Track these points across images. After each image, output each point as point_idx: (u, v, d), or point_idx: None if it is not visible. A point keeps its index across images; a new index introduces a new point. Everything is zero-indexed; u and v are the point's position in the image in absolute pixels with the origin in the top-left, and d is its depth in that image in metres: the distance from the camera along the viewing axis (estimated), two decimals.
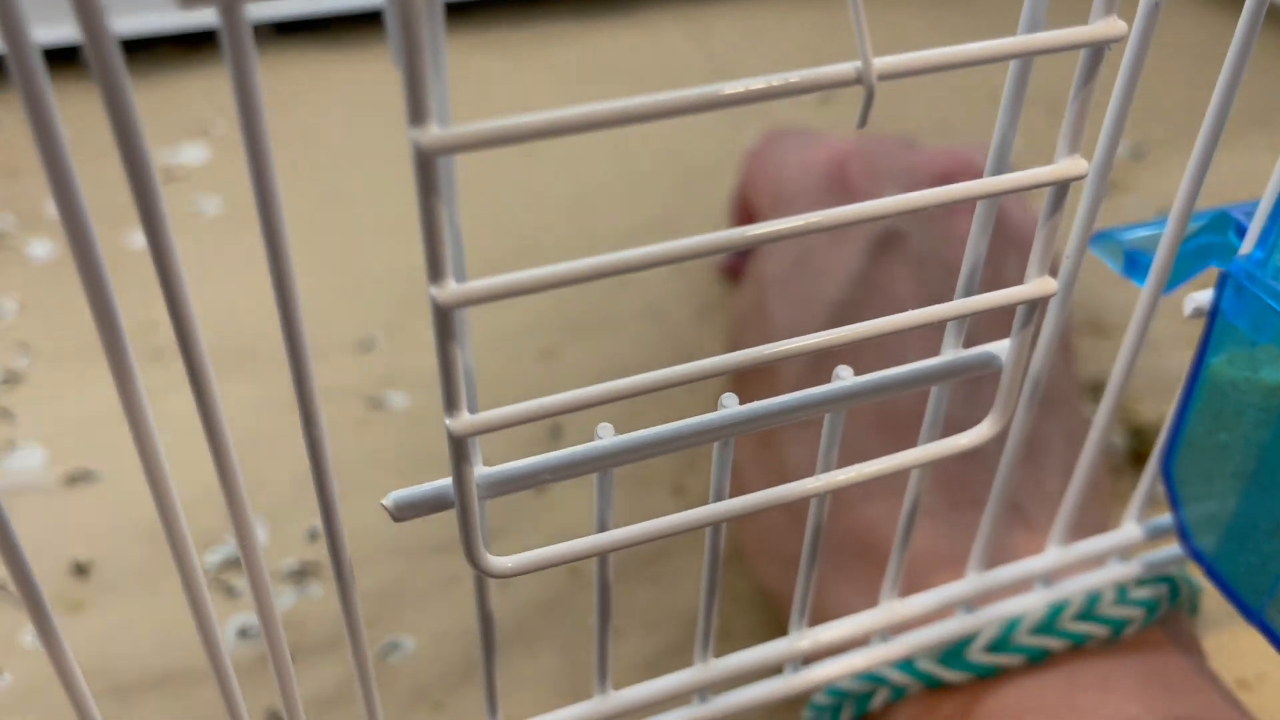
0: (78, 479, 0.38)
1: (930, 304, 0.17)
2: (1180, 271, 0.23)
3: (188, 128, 0.55)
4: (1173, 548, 0.26)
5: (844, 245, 0.33)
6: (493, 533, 0.37)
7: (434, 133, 0.13)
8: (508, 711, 0.22)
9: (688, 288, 0.47)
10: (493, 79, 0.61)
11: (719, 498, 0.19)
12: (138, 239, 0.48)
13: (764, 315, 0.33)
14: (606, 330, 0.45)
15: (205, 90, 0.59)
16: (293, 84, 0.59)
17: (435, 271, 0.14)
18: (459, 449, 0.16)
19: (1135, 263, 0.23)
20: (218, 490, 0.17)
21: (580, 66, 0.62)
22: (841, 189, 0.36)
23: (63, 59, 0.47)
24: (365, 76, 0.60)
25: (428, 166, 0.13)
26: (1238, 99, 0.18)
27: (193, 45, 0.61)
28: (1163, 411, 0.41)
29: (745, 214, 0.43)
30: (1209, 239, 0.22)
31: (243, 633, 0.33)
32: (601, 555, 0.19)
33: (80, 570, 0.35)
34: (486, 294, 0.14)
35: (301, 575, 0.35)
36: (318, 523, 0.36)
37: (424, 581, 0.35)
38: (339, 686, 0.32)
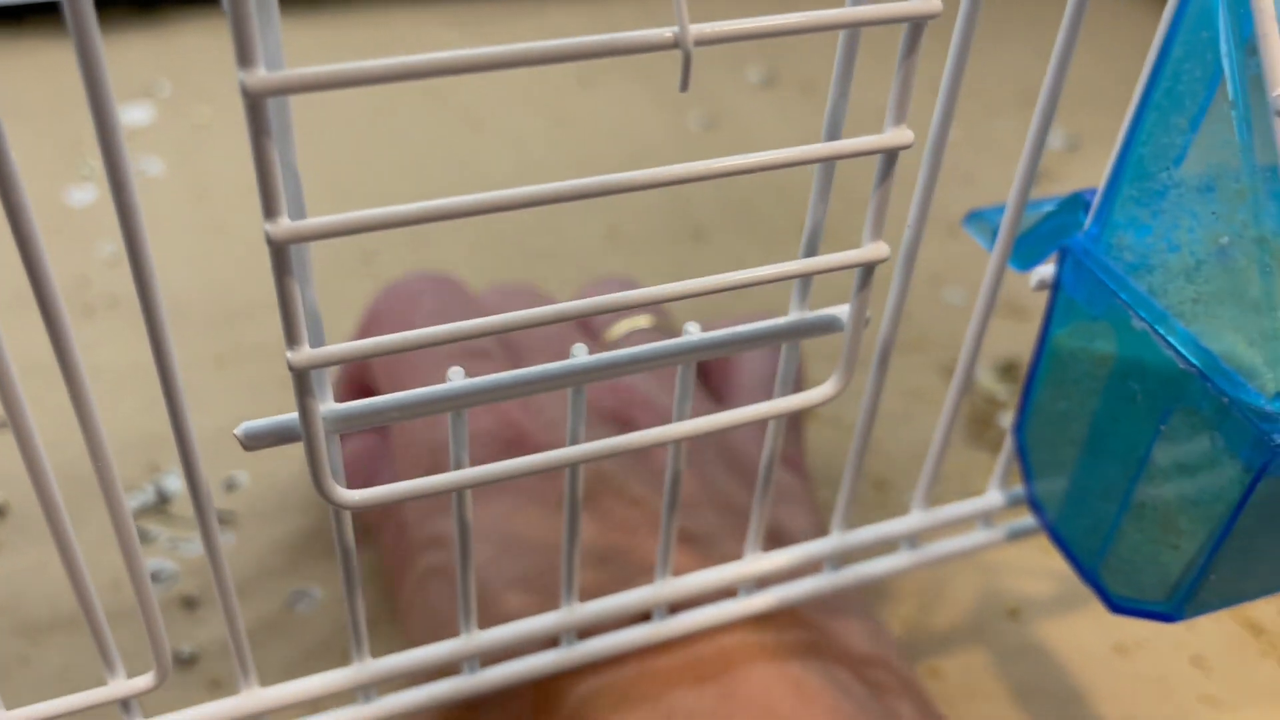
0: None
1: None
2: (1038, 249, 0.24)
3: (133, 88, 0.56)
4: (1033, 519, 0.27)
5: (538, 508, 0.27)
6: None
7: (260, 74, 0.14)
8: (375, 648, 0.23)
9: (620, 254, 0.48)
10: (441, 50, 0.61)
11: (575, 441, 0.20)
12: (76, 195, 0.49)
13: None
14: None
15: (151, 51, 0.59)
16: None
17: (269, 208, 0.15)
18: (302, 382, 0.16)
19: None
20: (136, 441, 0.18)
21: (529, 41, 0.62)
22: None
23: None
24: (307, 41, 0.61)
25: (257, 108, 0.14)
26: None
27: (140, 5, 0.62)
28: None
29: (359, 386, 0.35)
30: (1064, 219, 0.23)
31: (155, 576, 0.34)
32: (458, 492, 0.20)
33: None
34: (319, 231, 0.15)
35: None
36: (235, 473, 0.37)
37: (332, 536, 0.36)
38: (251, 630, 0.33)
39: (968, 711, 0.32)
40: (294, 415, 0.17)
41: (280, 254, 0.15)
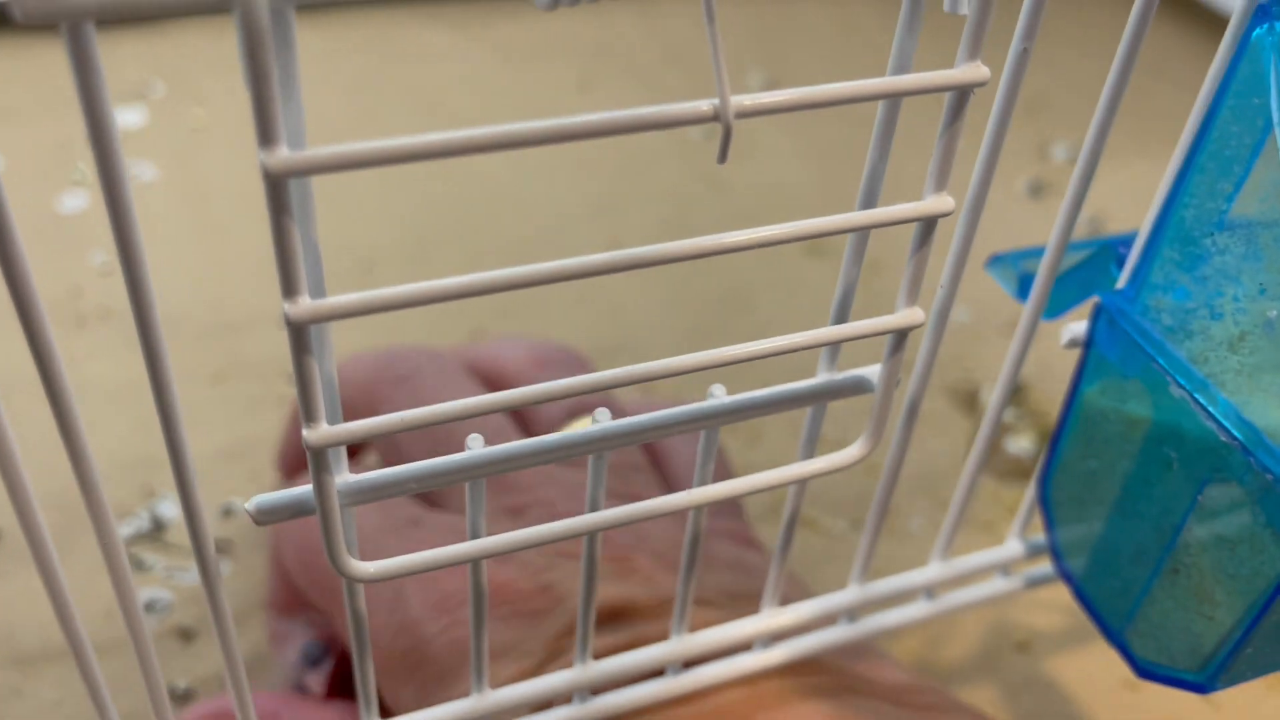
0: None
1: None
2: (1065, 298, 0.23)
3: (124, 89, 0.55)
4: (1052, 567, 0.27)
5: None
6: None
7: (283, 155, 0.13)
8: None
9: (634, 281, 0.47)
10: (436, 54, 0.60)
11: (595, 508, 0.19)
12: (68, 202, 0.48)
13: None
14: (535, 312, 0.45)
15: (143, 50, 0.58)
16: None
17: (288, 288, 0.14)
18: (318, 460, 0.16)
19: (1028, 286, 0.23)
20: (131, 462, 0.17)
21: (528, 45, 0.61)
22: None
23: None
24: (314, 47, 0.60)
25: (278, 187, 0.13)
26: (1171, 114, 0.18)
27: None
28: None
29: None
30: (1094, 269, 0.23)
31: (149, 607, 0.33)
32: (475, 562, 0.19)
33: None
34: (341, 311, 0.14)
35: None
36: (233, 499, 0.37)
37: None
38: (249, 662, 0.33)
39: None
40: (308, 489, 0.17)
41: (299, 333, 0.14)
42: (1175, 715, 0.33)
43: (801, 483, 0.21)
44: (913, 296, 0.18)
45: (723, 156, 0.15)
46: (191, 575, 0.34)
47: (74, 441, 0.16)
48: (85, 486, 0.16)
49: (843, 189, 0.52)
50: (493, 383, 0.30)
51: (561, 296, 0.46)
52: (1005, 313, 0.46)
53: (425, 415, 0.16)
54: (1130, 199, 0.50)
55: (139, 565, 0.35)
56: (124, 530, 0.35)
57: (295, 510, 0.17)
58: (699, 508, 0.20)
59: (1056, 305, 0.23)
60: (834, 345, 0.19)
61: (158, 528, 0.35)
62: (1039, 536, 0.26)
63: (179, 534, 0.35)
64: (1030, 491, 0.25)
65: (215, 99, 0.55)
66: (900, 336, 0.18)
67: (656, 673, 0.24)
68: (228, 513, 0.36)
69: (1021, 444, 0.41)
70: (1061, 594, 0.36)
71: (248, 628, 0.33)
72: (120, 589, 0.17)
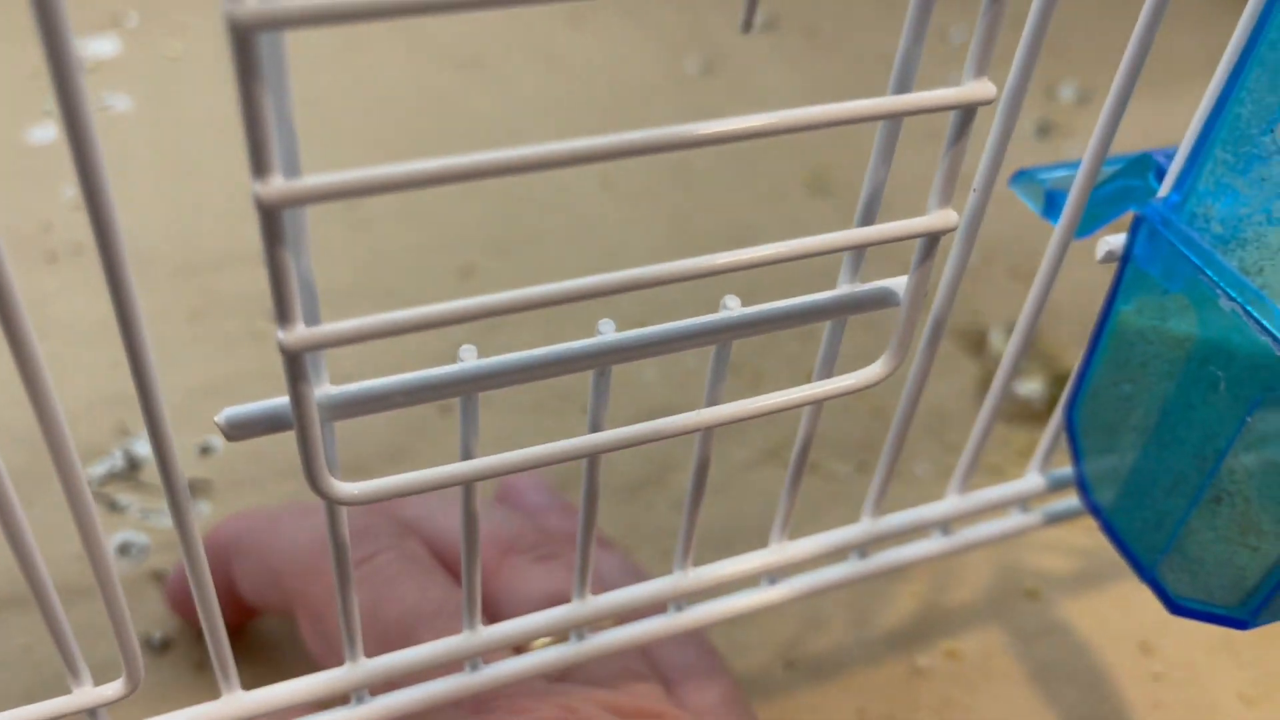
0: None
1: None
2: (1098, 215, 0.22)
3: (98, 18, 0.52)
4: (1073, 500, 0.25)
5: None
6: (393, 453, 0.35)
7: (251, 6, 0.11)
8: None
9: (616, 203, 0.45)
10: None
11: (596, 429, 0.18)
12: (38, 133, 0.46)
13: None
14: (530, 247, 0.43)
15: None
16: None
17: (259, 165, 0.12)
18: (294, 366, 0.14)
19: (1054, 203, 0.22)
20: (105, 400, 0.16)
21: None
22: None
23: None
24: None
25: (246, 44, 0.11)
26: (1188, 47, 0.17)
27: None
28: None
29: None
30: (1128, 182, 0.21)
31: (123, 549, 0.32)
32: (467, 484, 0.17)
33: None
34: (317, 193, 0.13)
35: (190, 492, 0.34)
36: (211, 437, 0.35)
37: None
38: None
39: (988, 692, 0.31)
40: (284, 400, 0.15)
41: (271, 219, 0.13)
42: (1193, 664, 0.32)
43: (818, 404, 0.20)
44: (946, 197, 0.16)
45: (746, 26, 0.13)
46: (168, 517, 0.33)
47: (34, 378, 0.14)
48: (46, 425, 0.15)
49: (848, 129, 0.51)
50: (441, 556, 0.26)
51: (557, 237, 0.44)
52: (1014, 254, 0.45)
53: (412, 318, 0.14)
54: (1142, 139, 0.49)
55: (113, 506, 0.33)
56: (97, 470, 0.34)
57: (270, 424, 0.15)
58: (709, 429, 0.19)
59: (1090, 223, 0.22)
60: (858, 252, 0.18)
61: (132, 467, 0.34)
62: (1060, 469, 0.24)
63: (154, 473, 0.34)
64: (1053, 423, 0.23)
65: (192, 29, 0.53)
66: (931, 242, 0.17)
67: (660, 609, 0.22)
68: (205, 450, 0.35)
69: (1031, 386, 0.39)
70: (1072, 536, 0.35)
71: None
72: (85, 531, 0.16)
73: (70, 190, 0.43)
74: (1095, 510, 0.22)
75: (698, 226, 0.45)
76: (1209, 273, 0.18)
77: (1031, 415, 0.39)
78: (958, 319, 0.43)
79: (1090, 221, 0.22)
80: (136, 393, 0.15)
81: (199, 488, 0.34)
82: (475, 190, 0.46)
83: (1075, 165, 0.21)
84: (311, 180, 0.12)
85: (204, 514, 0.33)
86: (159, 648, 0.30)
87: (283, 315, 0.14)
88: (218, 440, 0.35)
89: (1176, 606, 0.20)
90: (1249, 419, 0.18)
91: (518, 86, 0.52)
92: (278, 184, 0.12)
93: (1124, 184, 0.21)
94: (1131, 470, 0.21)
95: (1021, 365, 0.40)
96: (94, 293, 0.39)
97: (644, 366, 0.39)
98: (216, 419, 0.15)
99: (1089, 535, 0.35)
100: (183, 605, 0.29)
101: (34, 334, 0.14)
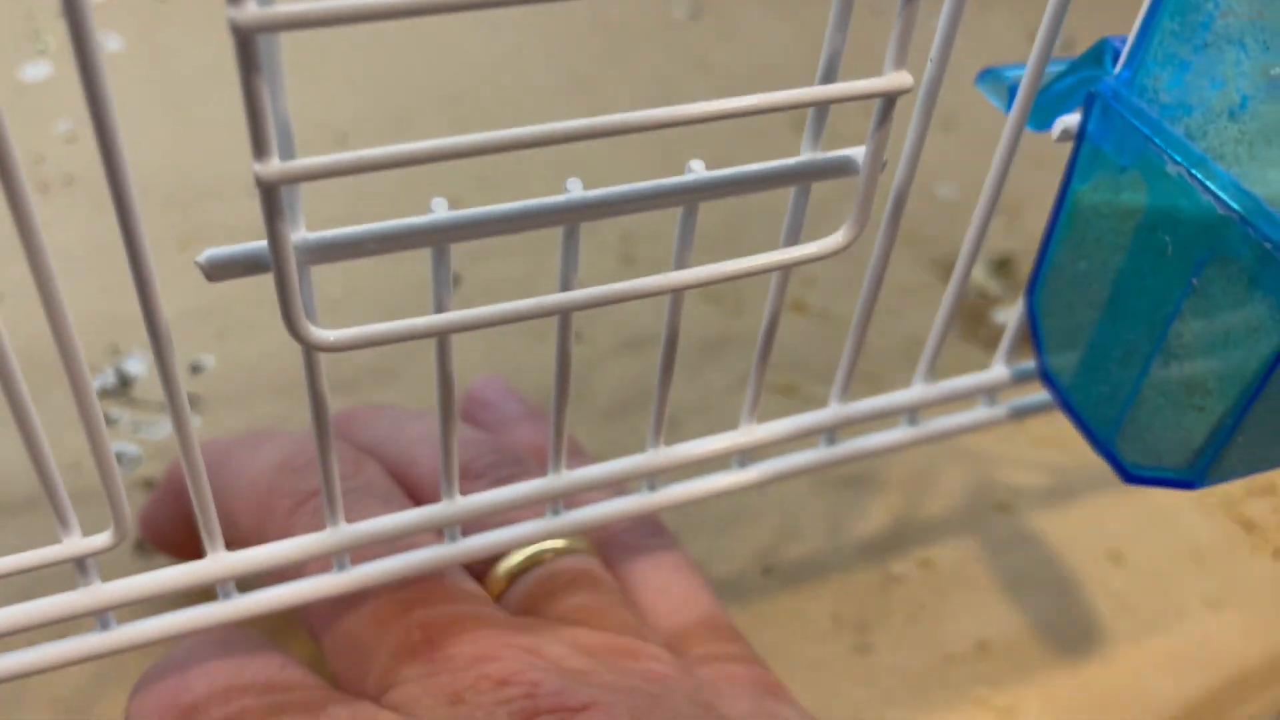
0: None
1: None
2: (1059, 106, 0.22)
3: None
4: (1040, 396, 0.26)
5: None
6: (380, 375, 0.36)
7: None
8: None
9: (601, 139, 0.46)
10: None
11: (566, 287, 0.18)
12: (30, 71, 0.46)
13: None
14: (516, 182, 0.44)
15: None
16: None
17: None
18: (271, 201, 0.15)
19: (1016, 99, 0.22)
20: (97, 322, 0.17)
21: None
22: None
23: None
24: None
25: (247, 44, 0.12)
26: None
27: None
28: None
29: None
30: (1088, 72, 0.22)
31: (117, 459, 0.32)
32: (440, 337, 0.18)
33: None
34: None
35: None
36: (202, 356, 0.36)
37: (304, 420, 0.35)
38: None
39: (959, 601, 0.32)
40: (262, 244, 0.16)
41: (245, 43, 0.13)
42: (1160, 572, 0.33)
43: (785, 270, 0.20)
44: (901, 59, 0.17)
45: None
46: (159, 429, 0.34)
47: (51, 297, 0.15)
48: (60, 339, 0.16)
49: None
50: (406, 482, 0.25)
51: (543, 173, 0.44)
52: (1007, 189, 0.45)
53: (385, 155, 0.15)
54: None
55: (106, 420, 0.34)
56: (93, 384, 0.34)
57: (248, 265, 0.16)
58: (678, 292, 0.19)
59: (1051, 114, 0.22)
60: (819, 119, 0.18)
61: (124, 384, 0.35)
62: (1026, 363, 0.25)
63: (145, 389, 0.35)
64: (1016, 311, 0.24)
65: None
66: (888, 105, 0.18)
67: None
68: (196, 369, 0.35)
69: (1009, 315, 0.40)
70: (1044, 453, 0.36)
71: None
72: (69, 360, 0.17)
73: (63, 125, 0.44)
74: (1055, 389, 0.23)
75: (680, 165, 0.46)
76: (1157, 141, 0.19)
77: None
78: (938, 251, 0.43)
79: (1051, 113, 0.22)
80: (139, 302, 0.16)
81: (190, 402, 0.34)
82: (463, 127, 0.47)
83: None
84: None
85: (196, 427, 0.34)
86: (149, 550, 0.30)
87: (258, 148, 0.14)
88: (209, 359, 0.36)
89: (1130, 476, 0.21)
90: (1195, 280, 0.18)
91: (503, 31, 0.52)
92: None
93: (1083, 75, 0.22)
94: (1088, 347, 0.21)
95: (999, 295, 0.41)
96: (85, 221, 0.40)
97: None
98: (198, 259, 0.16)
99: (1061, 453, 0.36)
100: (157, 535, 0.28)
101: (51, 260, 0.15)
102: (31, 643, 0.20)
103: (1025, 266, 0.42)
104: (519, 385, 0.36)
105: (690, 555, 0.26)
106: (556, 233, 0.18)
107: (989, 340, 0.39)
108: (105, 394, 0.34)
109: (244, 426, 0.34)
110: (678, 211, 0.19)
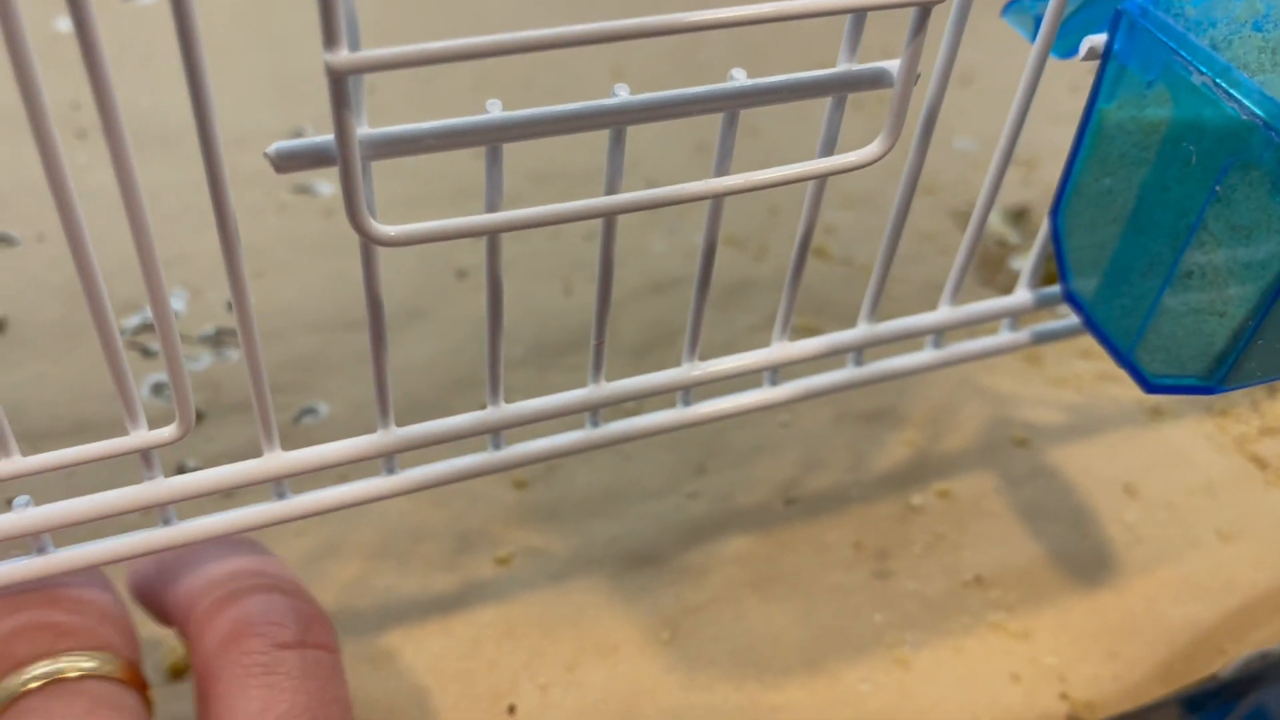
0: None
1: None
2: (1082, 32, 0.23)
3: None
4: (1061, 322, 0.27)
5: None
6: (411, 314, 0.37)
7: None
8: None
9: None
10: None
11: (611, 192, 0.19)
12: (63, 23, 0.47)
13: None
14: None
15: None
16: None
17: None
18: (338, 90, 0.16)
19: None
20: (134, 263, 0.17)
21: None
22: None
23: None
24: None
25: None
26: None
27: None
28: None
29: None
30: (1107, 2, 0.23)
31: (157, 389, 0.33)
32: (492, 235, 0.19)
33: None
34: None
35: (218, 340, 0.35)
36: None
37: (339, 355, 0.35)
38: (249, 444, 0.33)
39: (977, 529, 0.32)
40: (329, 138, 0.17)
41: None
42: (1173, 505, 0.33)
43: (820, 184, 0.21)
44: None
45: None
46: (199, 363, 0.35)
47: (75, 237, 0.16)
48: (84, 274, 0.17)
49: None
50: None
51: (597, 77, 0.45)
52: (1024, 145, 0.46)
53: (450, 48, 0.16)
54: None
55: (145, 353, 0.35)
56: (131, 321, 0.35)
57: (315, 158, 0.17)
58: (719, 198, 0.20)
59: (1069, 41, 0.23)
60: (855, 31, 0.19)
61: None
62: (1049, 288, 0.26)
63: (185, 325, 0.35)
64: (1040, 237, 0.25)
65: None
66: (923, 14, 0.18)
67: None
68: (232, 306, 0.36)
69: (1025, 261, 0.41)
70: (1061, 393, 0.36)
71: (250, 413, 0.33)
72: (146, 265, 0.17)
73: None
74: (1078, 306, 0.23)
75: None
76: (1183, 53, 0.19)
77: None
78: (958, 200, 0.44)
79: (1073, 39, 0.23)
80: (220, 237, 0.17)
81: (226, 335, 0.35)
82: (486, 80, 0.47)
83: None
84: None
85: (232, 359, 0.35)
86: None
87: (329, 38, 0.15)
88: None
89: (1151, 385, 0.22)
90: (1218, 188, 0.19)
91: None
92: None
93: (1106, 5, 0.23)
94: (1111, 261, 0.22)
95: (1018, 244, 0.42)
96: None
97: (653, 239, 0.41)
98: (267, 150, 0.17)
99: (1077, 393, 0.37)
100: (145, 598, 0.24)
101: (78, 202, 0.16)
102: (95, 536, 0.21)
103: (1041, 216, 0.42)
104: (549, 334, 0.36)
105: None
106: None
107: (1006, 287, 0.40)
108: (145, 329, 0.35)
109: (282, 360, 0.35)
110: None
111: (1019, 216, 0.43)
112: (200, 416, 0.33)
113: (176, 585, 0.22)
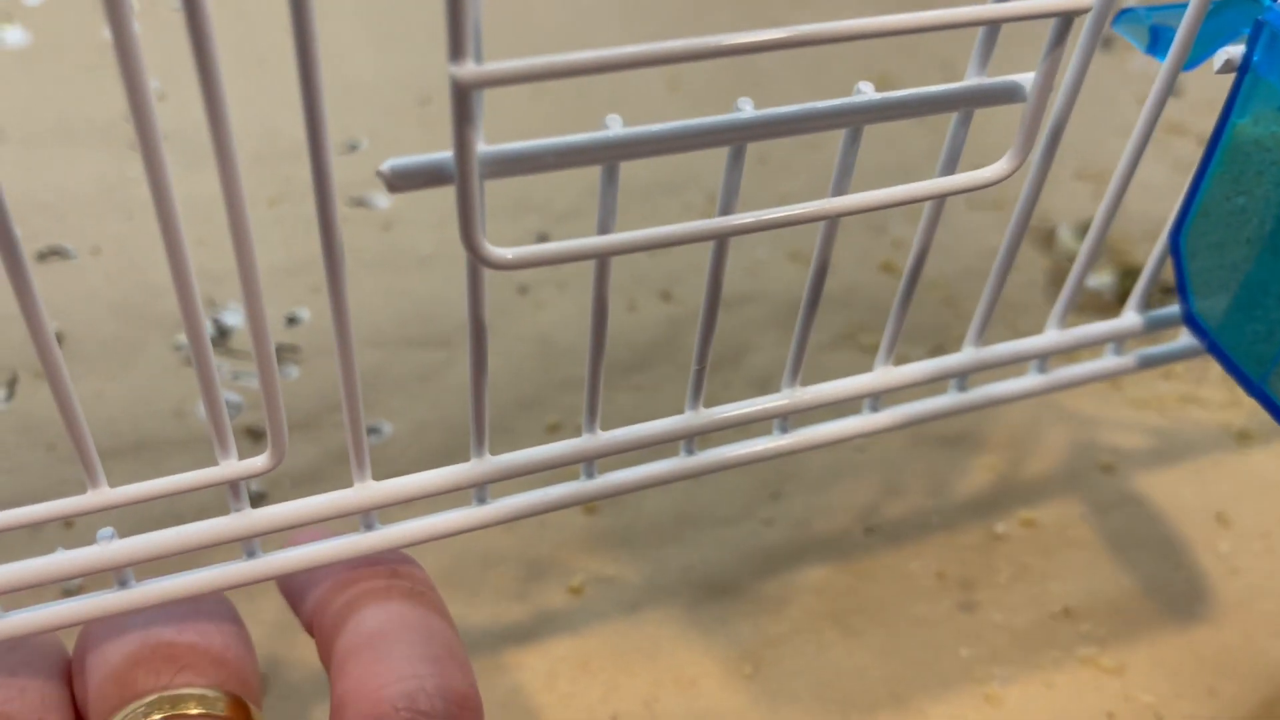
0: (48, 255, 0.37)
1: None
2: (1208, 45, 0.22)
3: None
4: (1169, 344, 0.26)
5: None
6: None
7: None
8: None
9: (681, 104, 0.46)
10: None
11: (726, 211, 0.18)
12: None
13: None
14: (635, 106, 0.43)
15: None
16: None
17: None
18: (462, 104, 0.15)
19: (1159, 39, 0.22)
20: (199, 271, 0.17)
21: None
22: None
23: None
24: None
25: None
26: None
27: None
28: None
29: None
30: (1239, 10, 0.21)
31: None
32: (601, 258, 0.18)
33: None
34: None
35: (278, 357, 0.34)
36: (296, 309, 0.36)
37: (401, 373, 0.35)
38: (311, 464, 0.32)
39: (1064, 558, 0.31)
40: (446, 155, 0.16)
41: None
42: (1269, 534, 0.32)
43: (939, 205, 0.20)
44: None
45: None
46: (255, 380, 0.34)
47: (175, 249, 0.15)
48: (180, 285, 0.16)
49: (912, 36, 0.51)
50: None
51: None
52: (1081, 157, 0.45)
53: (576, 61, 0.15)
54: None
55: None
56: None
57: (432, 176, 0.16)
58: (833, 219, 0.19)
59: (1198, 52, 0.22)
60: (987, 45, 0.18)
61: (222, 334, 0.35)
62: (1157, 310, 0.25)
63: (243, 340, 0.35)
64: (1152, 260, 0.24)
65: None
66: (1064, 25, 0.17)
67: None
68: (292, 320, 0.35)
69: (1100, 279, 0.39)
70: (1145, 415, 0.35)
71: (317, 429, 0.33)
72: (249, 290, 0.16)
73: (153, 83, 0.44)
74: (1201, 331, 0.22)
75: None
76: None
77: (1100, 306, 0.39)
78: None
79: (1199, 52, 0.22)
80: (236, 258, 0.16)
81: (287, 352, 0.34)
82: (538, 91, 0.46)
83: (1179, 6, 0.22)
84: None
85: (292, 376, 0.34)
86: (255, 498, 0.30)
87: (456, 49, 0.14)
88: (304, 312, 0.36)
89: None
90: None
91: None
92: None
93: (1235, 12, 0.22)
94: (1242, 284, 0.21)
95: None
96: (177, 178, 0.40)
97: None
98: (380, 168, 0.16)
99: (1161, 415, 0.35)
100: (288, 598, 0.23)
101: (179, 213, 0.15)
102: (179, 569, 0.20)
103: (1114, 231, 0.41)
104: (614, 352, 0.36)
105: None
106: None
107: (1082, 305, 0.39)
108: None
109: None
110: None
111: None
112: (259, 436, 0.32)
113: (305, 603, 0.21)
